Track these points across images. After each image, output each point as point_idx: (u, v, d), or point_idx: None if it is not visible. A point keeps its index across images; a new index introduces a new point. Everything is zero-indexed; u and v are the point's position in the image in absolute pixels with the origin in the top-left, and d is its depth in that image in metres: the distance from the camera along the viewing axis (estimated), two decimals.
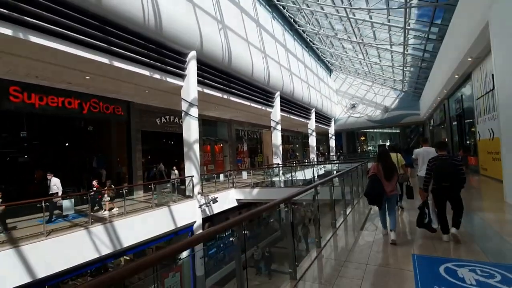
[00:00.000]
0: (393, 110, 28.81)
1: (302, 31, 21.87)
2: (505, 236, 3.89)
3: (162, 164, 13.60)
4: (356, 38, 18.05)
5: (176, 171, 12.08)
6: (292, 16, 19.80)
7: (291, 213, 3.34)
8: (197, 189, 9.42)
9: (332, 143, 30.46)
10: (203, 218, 9.51)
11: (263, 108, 14.97)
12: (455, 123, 14.21)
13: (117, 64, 7.39)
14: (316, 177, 16.19)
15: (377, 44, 18.15)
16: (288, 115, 18.23)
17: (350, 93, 31.13)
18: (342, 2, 14.14)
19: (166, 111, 13.22)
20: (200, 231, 9.33)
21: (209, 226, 11.43)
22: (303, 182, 13.99)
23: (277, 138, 16.01)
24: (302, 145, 32.73)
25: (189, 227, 9.16)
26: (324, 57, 27.77)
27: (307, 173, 15.15)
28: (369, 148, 43.40)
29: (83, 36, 6.52)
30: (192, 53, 9.45)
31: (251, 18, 13.47)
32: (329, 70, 30.73)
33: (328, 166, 18.79)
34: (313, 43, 24.34)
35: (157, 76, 8.44)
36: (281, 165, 14.85)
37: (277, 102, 15.97)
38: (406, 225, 4.98)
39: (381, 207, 4.21)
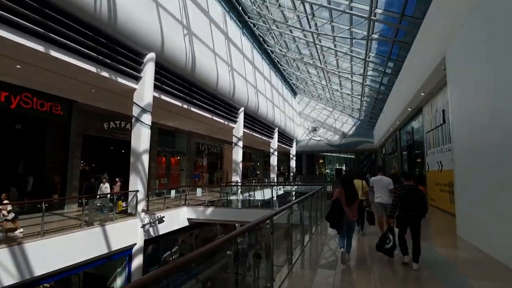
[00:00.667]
0: (350, 137, 30.38)
1: (271, 51, 22.25)
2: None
3: (107, 174, 12.01)
4: (321, 64, 18.76)
5: (107, 185, 9.94)
6: (262, 35, 20.06)
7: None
8: (141, 206, 8.28)
9: (293, 163, 30.83)
10: (145, 240, 8.33)
11: (226, 122, 14.41)
12: (405, 153, 15.12)
13: (55, 54, 6.29)
14: (275, 198, 15.82)
15: (339, 72, 19.07)
16: (251, 132, 17.87)
17: (312, 116, 32.24)
18: (310, 27, 14.57)
19: (116, 116, 11.91)
20: (140, 255, 8.12)
21: (152, 249, 10.13)
22: (262, 202, 13.46)
23: (238, 154, 15.43)
24: (263, 164, 32.60)
25: (127, 250, 7.90)
26: (290, 79, 28.58)
27: (266, 193, 14.69)
28: (326, 171, 45.07)
29: (13, 15, 5.42)
30: (151, 55, 8.63)
31: (220, 30, 13.13)
32: (294, 93, 31.66)
33: (288, 187, 18.64)
34: (280, 64, 24.92)
35: (105, 74, 7.42)
36: (239, 183, 14.20)
37: (240, 117, 15.55)
38: (366, 248, 5.16)
39: (341, 231, 4.26)
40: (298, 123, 31.82)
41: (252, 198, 14.25)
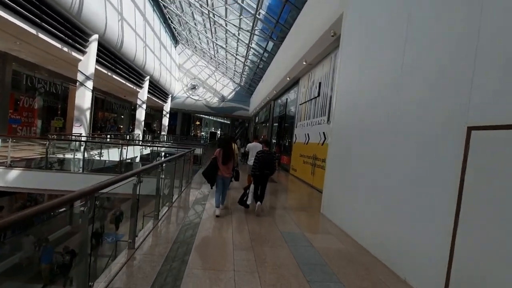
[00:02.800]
0: (228, 101, 30.07)
1: None
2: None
3: None
4: (207, 6, 16.36)
5: None
6: None
7: None
8: None
9: (166, 121, 27.75)
10: None
11: (66, 49, 10.02)
12: (277, 124, 15.71)
13: None
14: (138, 160, 13.16)
15: (226, 24, 17.32)
16: (109, 73, 13.76)
17: (193, 73, 29.54)
18: None
19: None
20: None
21: None
22: (112, 165, 10.58)
23: (84, 98, 11.42)
24: (130, 117, 27.64)
25: None
26: (171, 22, 24.31)
27: (129, 153, 11.77)
28: (202, 133, 44.23)
29: None
30: None
31: None
32: (175, 41, 27.56)
33: (155, 147, 16.11)
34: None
35: None
36: (80, 136, 10.61)
37: (92, 48, 11.33)
38: (230, 200, 5.71)
39: (217, 187, 4.73)
40: (177, 77, 28.41)
41: (101, 158, 11.10)
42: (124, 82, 15.77)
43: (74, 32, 10.30)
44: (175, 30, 25.96)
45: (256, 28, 14.56)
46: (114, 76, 14.47)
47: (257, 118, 26.36)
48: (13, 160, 7.21)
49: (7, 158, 7.00)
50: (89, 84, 11.46)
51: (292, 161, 10.75)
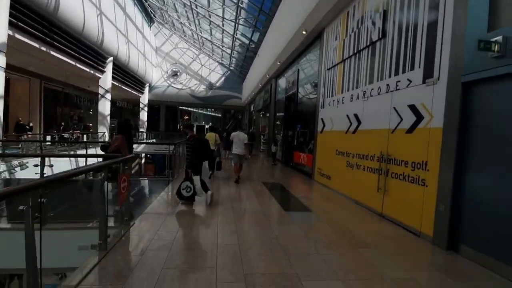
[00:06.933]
0: (217, 89, 25.79)
1: None
2: None
3: None
4: None
5: None
6: None
7: None
8: None
9: (145, 116, 23.43)
10: None
11: None
12: (282, 109, 11.70)
13: None
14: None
15: (209, 15, 13.12)
16: (47, 49, 9.54)
17: (174, 57, 25.06)
18: None
19: None
20: None
21: None
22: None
23: None
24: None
25: None
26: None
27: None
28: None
29: None
30: None
31: None
32: (150, 19, 22.98)
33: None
34: None
35: None
36: None
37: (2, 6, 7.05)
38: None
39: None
40: (154, 62, 23.94)
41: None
42: (71, 61, 11.44)
43: None
44: (149, 6, 21.39)
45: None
46: (52, 52, 10.18)
47: (252, 105, 22.25)
48: None
49: None
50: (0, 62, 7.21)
51: (318, 161, 6.84)
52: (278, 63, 10.44)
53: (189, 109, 36.17)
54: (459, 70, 2.83)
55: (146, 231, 3.19)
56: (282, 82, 11.72)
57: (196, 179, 4.39)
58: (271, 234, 3.21)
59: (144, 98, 23.18)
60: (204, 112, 42.03)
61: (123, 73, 17.48)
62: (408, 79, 3.67)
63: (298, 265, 2.44)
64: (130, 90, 19.58)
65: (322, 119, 6.67)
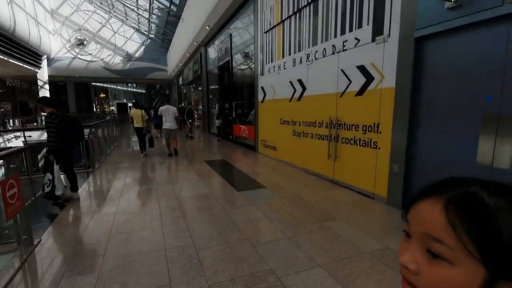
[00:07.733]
0: (137, 60, 22.68)
1: None
2: None
3: None
4: None
5: None
6: None
7: None
8: None
9: (46, 95, 19.12)
10: None
11: None
12: (216, 80, 10.85)
13: None
14: None
15: None
16: None
17: (77, 22, 20.65)
18: None
19: None
20: None
21: None
22: None
23: None
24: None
25: None
26: None
27: None
28: (111, 108, 34.96)
29: None
30: None
31: None
32: None
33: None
34: None
35: None
36: None
37: None
38: None
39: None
40: (51, 29, 19.26)
41: None
42: None
43: None
44: None
45: None
46: None
47: (181, 78, 20.45)
48: None
49: None
50: None
51: (261, 132, 6.56)
52: (207, 27, 9.40)
53: (105, 85, 31.39)
54: (412, 25, 2.70)
55: (60, 250, 2.36)
56: (214, 50, 10.76)
57: (57, 169, 3.47)
58: (228, 222, 2.78)
59: (43, 74, 18.81)
60: (124, 88, 37.32)
61: (8, 43, 13.50)
62: (356, 38, 3.47)
63: (270, 257, 2.09)
64: (22, 65, 15.43)
65: (262, 87, 6.28)
